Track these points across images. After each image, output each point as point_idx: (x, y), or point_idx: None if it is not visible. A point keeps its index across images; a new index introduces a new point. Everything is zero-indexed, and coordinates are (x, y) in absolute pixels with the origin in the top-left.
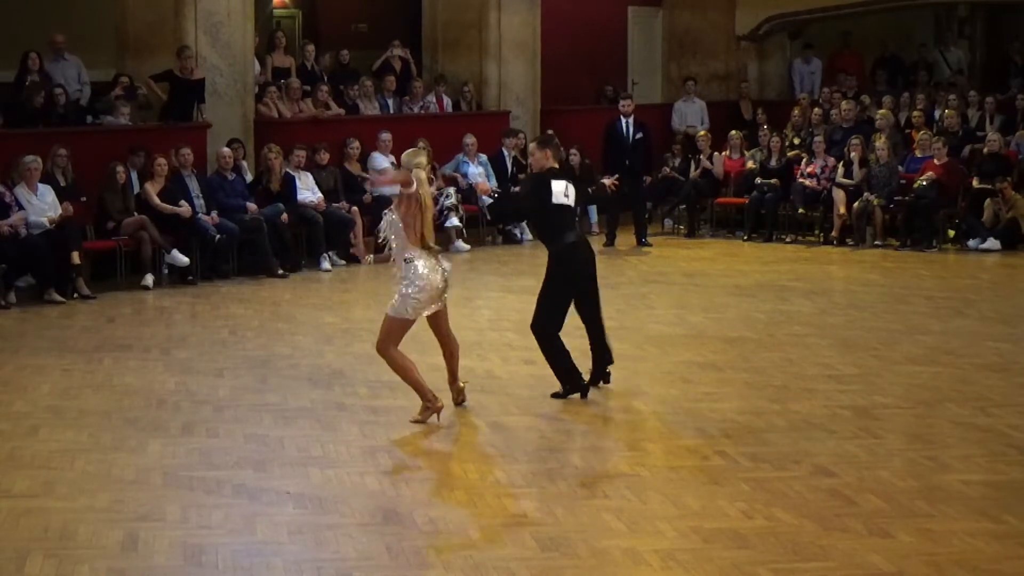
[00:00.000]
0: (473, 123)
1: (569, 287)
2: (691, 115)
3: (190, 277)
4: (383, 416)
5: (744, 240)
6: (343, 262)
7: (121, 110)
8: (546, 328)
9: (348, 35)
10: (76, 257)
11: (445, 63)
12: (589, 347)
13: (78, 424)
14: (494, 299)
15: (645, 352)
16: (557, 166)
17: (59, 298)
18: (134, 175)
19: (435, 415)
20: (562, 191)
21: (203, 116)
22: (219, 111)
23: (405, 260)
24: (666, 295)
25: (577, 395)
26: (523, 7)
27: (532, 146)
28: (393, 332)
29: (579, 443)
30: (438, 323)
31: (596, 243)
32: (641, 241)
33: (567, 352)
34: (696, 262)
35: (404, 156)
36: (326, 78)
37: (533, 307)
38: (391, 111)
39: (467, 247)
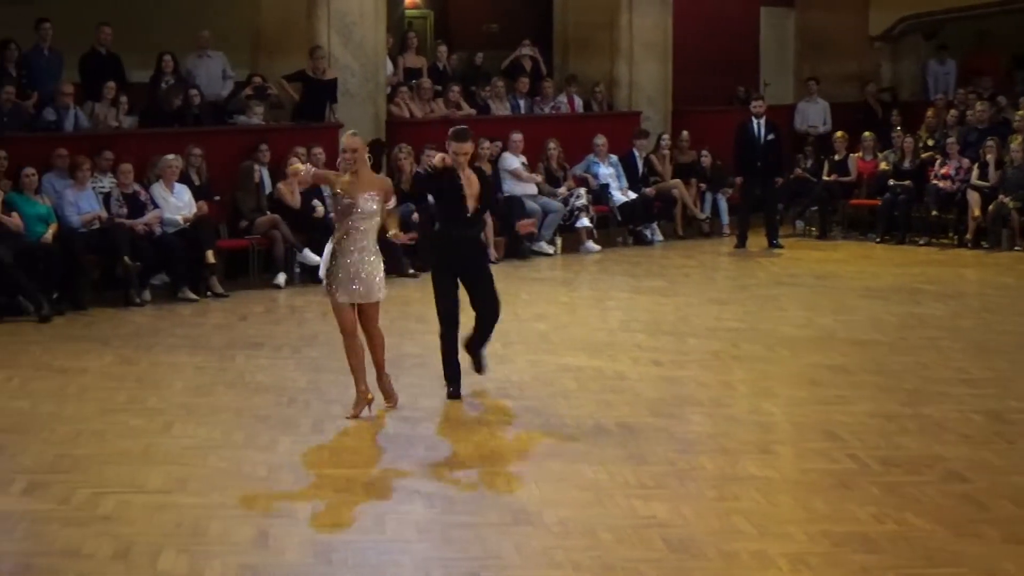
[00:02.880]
0: (604, 124)
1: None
2: (813, 115)
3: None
4: (511, 416)
5: (876, 242)
6: None
7: (254, 110)
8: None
9: (479, 35)
10: (210, 256)
11: (576, 63)
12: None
13: (210, 421)
14: (624, 300)
15: (775, 354)
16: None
17: (192, 296)
18: (266, 174)
19: (366, 407)
20: None
21: (335, 116)
22: (351, 111)
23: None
24: (797, 297)
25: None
26: (655, 8)
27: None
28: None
29: (709, 445)
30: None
31: (727, 244)
32: (772, 243)
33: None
34: (827, 264)
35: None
36: (462, 78)
37: (665, 308)
38: (522, 111)
39: (597, 248)
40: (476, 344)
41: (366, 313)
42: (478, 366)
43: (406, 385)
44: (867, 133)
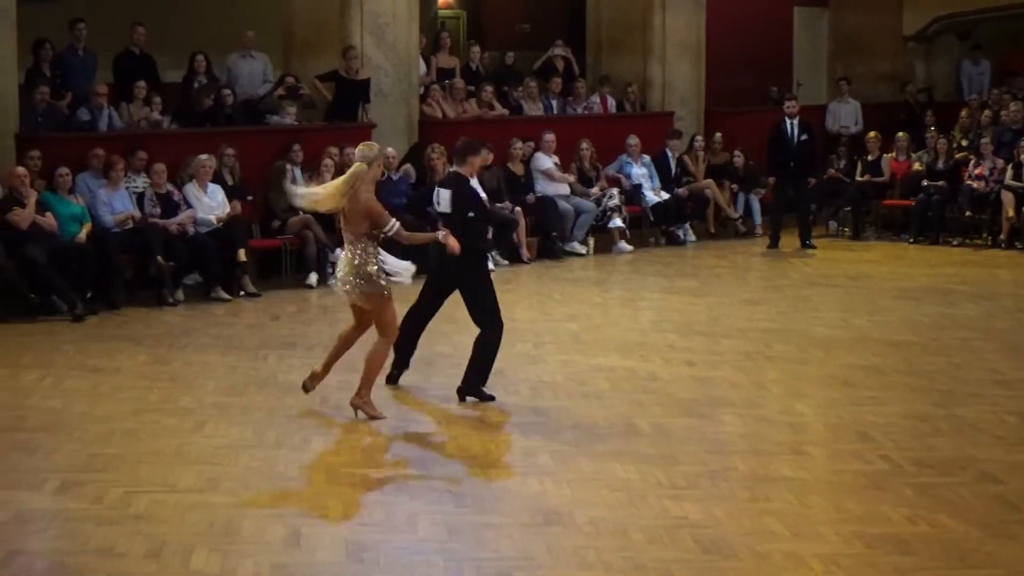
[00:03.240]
0: (637, 124)
1: (428, 288)
2: (844, 115)
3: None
4: (544, 416)
5: (910, 243)
6: (506, 262)
7: (287, 110)
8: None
9: (512, 35)
10: (242, 255)
11: (609, 64)
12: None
13: (243, 421)
14: (656, 300)
15: (808, 355)
16: (457, 170)
17: (225, 296)
18: (299, 174)
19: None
20: (435, 198)
21: (368, 116)
22: (384, 111)
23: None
24: (830, 298)
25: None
26: (688, 8)
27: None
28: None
29: (741, 445)
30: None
31: (760, 245)
32: (805, 243)
33: (403, 346)
34: (860, 265)
35: (357, 150)
36: (494, 78)
37: (697, 309)
38: (555, 112)
39: (630, 248)
40: (467, 376)
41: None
42: (482, 398)
43: (437, 385)
44: (901, 134)
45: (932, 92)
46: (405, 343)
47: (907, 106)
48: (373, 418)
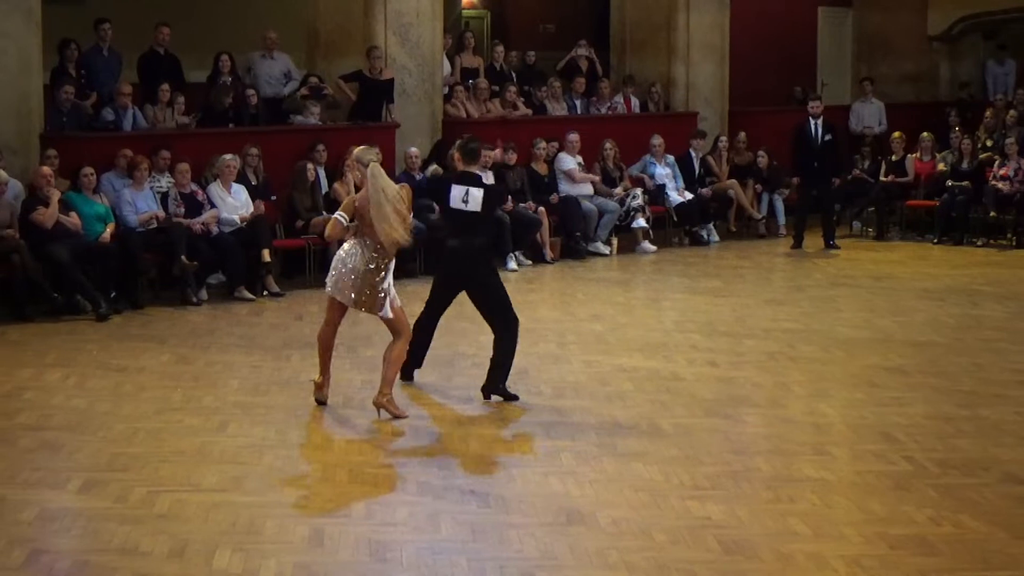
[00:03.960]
0: (661, 124)
1: (438, 287)
2: (868, 116)
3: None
4: (567, 416)
5: (934, 243)
6: (529, 262)
7: (311, 110)
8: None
9: (536, 35)
10: (266, 255)
11: (633, 64)
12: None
13: (266, 420)
14: (680, 300)
15: (832, 355)
16: (470, 170)
17: (249, 295)
18: (322, 174)
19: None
20: (460, 196)
21: (392, 116)
22: (408, 111)
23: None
24: (853, 298)
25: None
26: (712, 8)
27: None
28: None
29: (764, 446)
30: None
31: (783, 245)
32: (829, 243)
33: (418, 344)
34: (884, 265)
35: (356, 152)
36: (515, 78)
37: (720, 309)
38: (578, 112)
39: (653, 248)
40: (490, 375)
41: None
42: (506, 397)
43: (460, 385)
44: (925, 134)
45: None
46: (419, 343)
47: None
48: (396, 417)
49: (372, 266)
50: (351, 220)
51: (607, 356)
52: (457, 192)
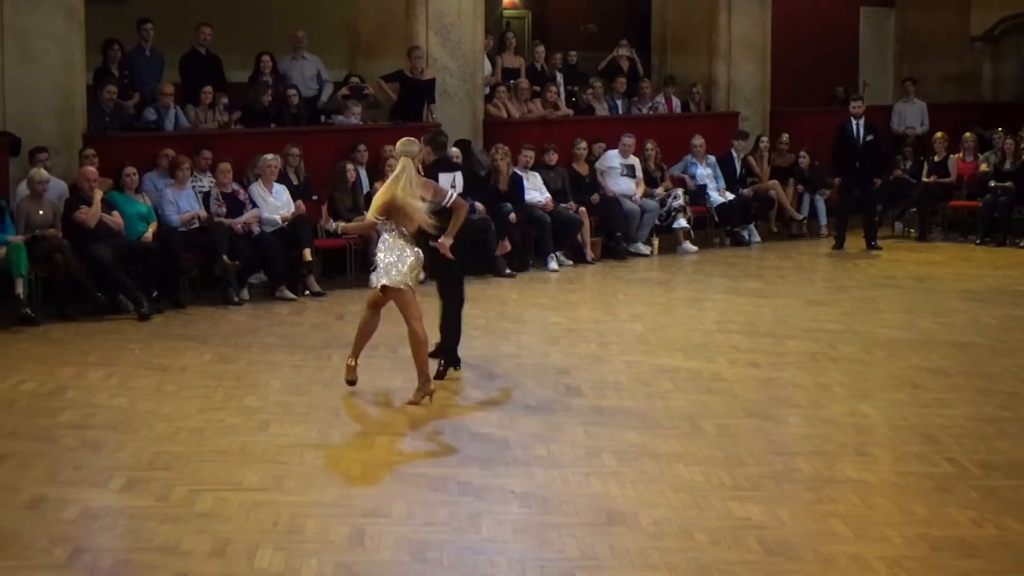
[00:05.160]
0: (702, 124)
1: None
2: (910, 116)
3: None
4: (608, 416)
5: (976, 244)
6: (570, 262)
7: (352, 110)
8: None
9: (577, 36)
10: (307, 255)
11: (674, 64)
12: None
13: (307, 420)
14: (720, 301)
15: (873, 356)
16: (444, 157)
17: (290, 295)
18: (363, 174)
19: (427, 397)
20: (449, 181)
21: (433, 116)
22: (449, 111)
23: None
24: (895, 299)
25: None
26: (754, 8)
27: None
28: (412, 305)
29: (805, 447)
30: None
31: (825, 245)
32: (871, 244)
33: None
34: (926, 266)
35: (399, 143)
36: (561, 78)
37: (762, 310)
38: (619, 112)
39: (694, 249)
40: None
41: None
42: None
43: (500, 386)
44: (968, 134)
45: None
46: (450, 339)
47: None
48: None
49: (406, 251)
50: (383, 216)
51: (648, 356)
52: (445, 179)
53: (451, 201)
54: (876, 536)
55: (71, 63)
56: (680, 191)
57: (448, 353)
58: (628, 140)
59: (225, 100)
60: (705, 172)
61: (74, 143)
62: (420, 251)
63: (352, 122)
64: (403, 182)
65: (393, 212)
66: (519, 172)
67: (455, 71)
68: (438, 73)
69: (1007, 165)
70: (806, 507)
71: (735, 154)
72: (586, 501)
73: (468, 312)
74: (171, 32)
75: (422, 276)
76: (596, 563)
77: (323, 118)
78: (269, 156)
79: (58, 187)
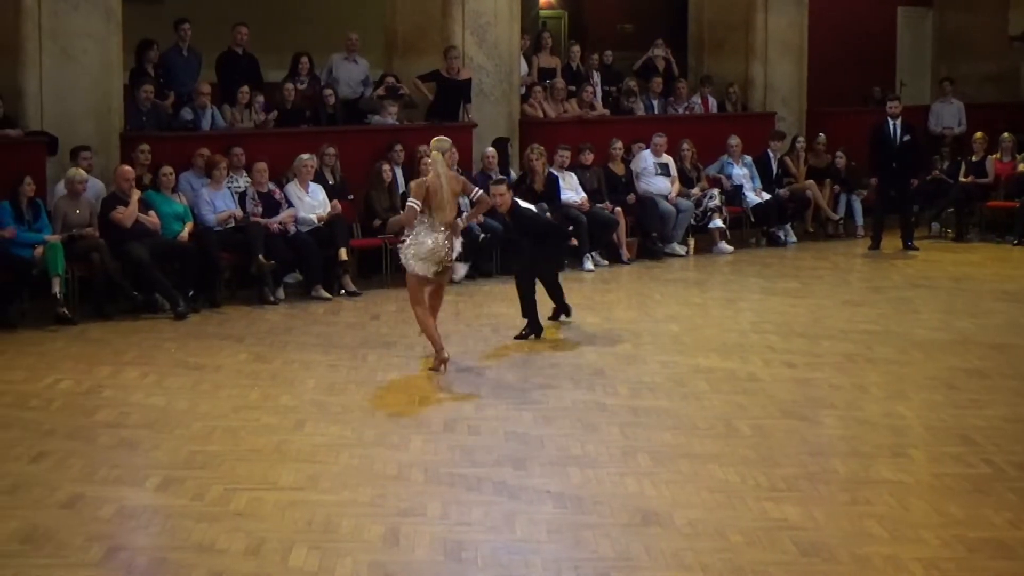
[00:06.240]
0: (738, 124)
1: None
2: (948, 116)
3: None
4: (643, 417)
5: (1014, 245)
6: (606, 262)
7: (388, 109)
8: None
9: (613, 35)
10: (343, 254)
11: (710, 64)
12: None
13: (342, 419)
14: (756, 301)
15: (910, 357)
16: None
17: (326, 295)
18: (399, 173)
19: (442, 365)
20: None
21: (469, 116)
22: (485, 111)
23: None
24: (932, 300)
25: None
26: (790, 8)
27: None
28: (411, 289)
29: (841, 447)
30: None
31: (861, 246)
32: (907, 245)
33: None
34: (963, 266)
35: (432, 141)
36: (598, 78)
37: (798, 310)
38: (655, 112)
39: (730, 249)
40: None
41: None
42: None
43: (538, 385)
44: (1006, 134)
45: None
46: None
47: None
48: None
49: (440, 241)
50: (419, 201)
51: (683, 356)
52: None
53: (477, 195)
54: (912, 537)
55: (109, 63)
56: (716, 191)
57: (561, 306)
58: (659, 139)
59: (261, 100)
60: (741, 172)
61: (111, 143)
62: (447, 244)
63: (388, 122)
64: (432, 174)
65: (427, 198)
66: (555, 172)
67: (491, 71)
68: (474, 73)
69: None
70: (842, 508)
71: (771, 154)
72: (621, 501)
73: (504, 312)
74: (208, 32)
75: (439, 268)
76: (631, 564)
77: (367, 117)
78: (305, 156)
79: (95, 187)
